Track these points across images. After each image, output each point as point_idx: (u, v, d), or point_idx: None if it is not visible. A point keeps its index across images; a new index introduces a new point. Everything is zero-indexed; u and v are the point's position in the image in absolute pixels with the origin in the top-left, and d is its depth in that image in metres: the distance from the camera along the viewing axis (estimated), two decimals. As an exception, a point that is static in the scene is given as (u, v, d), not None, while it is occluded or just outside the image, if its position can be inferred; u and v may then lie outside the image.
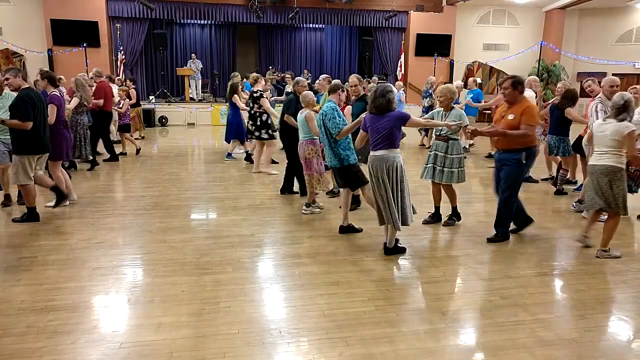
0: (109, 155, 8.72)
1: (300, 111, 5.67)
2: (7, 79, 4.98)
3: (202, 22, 18.33)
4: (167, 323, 3.16)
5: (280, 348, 2.93)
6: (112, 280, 3.84)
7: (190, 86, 16.34)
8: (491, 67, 17.91)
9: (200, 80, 16.61)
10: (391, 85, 4.46)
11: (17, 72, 5.05)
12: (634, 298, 3.67)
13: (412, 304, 3.53)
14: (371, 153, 4.30)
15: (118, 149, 9.23)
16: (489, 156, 9.42)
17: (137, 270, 4.07)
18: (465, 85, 11.09)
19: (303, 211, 5.71)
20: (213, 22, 18.44)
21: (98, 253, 4.37)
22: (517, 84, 4.52)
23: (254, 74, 8.06)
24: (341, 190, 5.16)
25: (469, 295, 3.70)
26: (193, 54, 16.93)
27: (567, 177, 6.97)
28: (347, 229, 5.00)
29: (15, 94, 5.03)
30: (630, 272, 4.19)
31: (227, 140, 9.10)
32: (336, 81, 5.28)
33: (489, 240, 4.78)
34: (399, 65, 17.24)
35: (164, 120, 14.82)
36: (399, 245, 4.49)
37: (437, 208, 5.44)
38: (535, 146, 4.68)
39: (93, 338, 2.98)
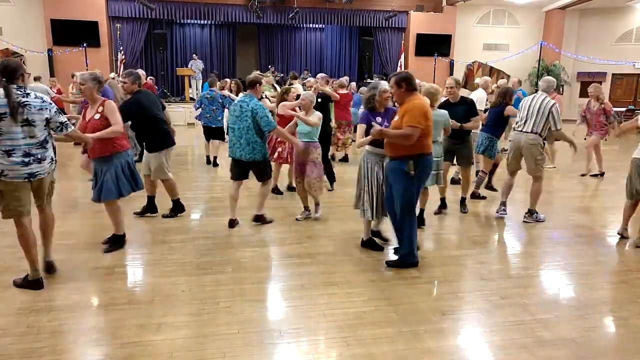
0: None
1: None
2: (124, 82, 5.11)
3: (202, 22, 18.34)
4: (167, 323, 3.16)
5: (280, 348, 2.93)
6: (112, 280, 3.84)
7: (191, 86, 16.35)
8: (491, 67, 17.90)
9: (201, 81, 16.62)
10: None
11: (136, 79, 5.11)
12: (634, 298, 3.67)
13: (412, 304, 3.52)
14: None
15: None
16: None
17: (137, 270, 4.07)
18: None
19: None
20: (213, 22, 18.45)
21: (98, 253, 4.37)
22: (401, 80, 3.89)
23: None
24: (235, 185, 5.18)
25: (469, 295, 3.69)
26: (195, 55, 16.93)
27: (485, 180, 6.48)
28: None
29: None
30: (631, 272, 4.20)
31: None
32: (252, 75, 5.01)
33: (388, 265, 4.16)
34: (399, 65, 17.24)
35: (164, 120, 14.81)
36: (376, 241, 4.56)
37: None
38: (429, 154, 3.97)
39: (93, 338, 2.98)
